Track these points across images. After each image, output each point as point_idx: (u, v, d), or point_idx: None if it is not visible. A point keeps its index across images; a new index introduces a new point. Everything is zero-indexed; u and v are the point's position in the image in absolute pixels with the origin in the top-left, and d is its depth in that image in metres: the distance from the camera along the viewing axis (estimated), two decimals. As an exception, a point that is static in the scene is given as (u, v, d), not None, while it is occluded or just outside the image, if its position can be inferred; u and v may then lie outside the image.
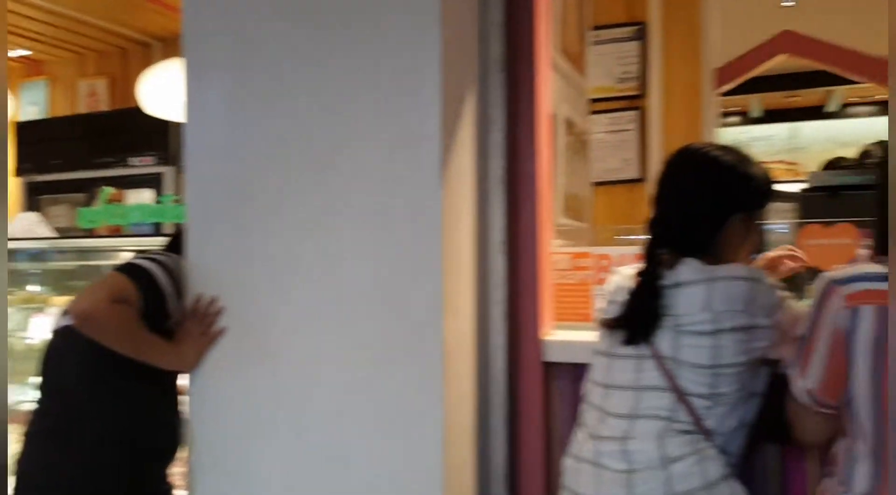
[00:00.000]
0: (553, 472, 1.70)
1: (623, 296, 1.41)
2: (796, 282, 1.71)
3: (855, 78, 3.74)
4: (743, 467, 1.40)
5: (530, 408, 1.70)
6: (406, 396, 1.51)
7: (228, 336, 1.63)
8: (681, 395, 1.31)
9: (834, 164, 2.78)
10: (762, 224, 1.50)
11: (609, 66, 3.47)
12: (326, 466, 1.57)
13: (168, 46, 4.57)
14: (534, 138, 1.74)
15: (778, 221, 1.98)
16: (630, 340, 1.37)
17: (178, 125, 1.67)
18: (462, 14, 1.63)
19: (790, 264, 1.65)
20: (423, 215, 1.50)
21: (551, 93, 2.23)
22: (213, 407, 1.65)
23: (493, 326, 1.70)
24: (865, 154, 2.66)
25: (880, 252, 1.20)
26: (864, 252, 1.33)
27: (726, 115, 8.85)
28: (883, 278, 1.14)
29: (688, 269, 1.34)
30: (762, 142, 8.83)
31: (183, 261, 1.68)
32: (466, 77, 1.66)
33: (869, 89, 7.03)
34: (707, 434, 1.31)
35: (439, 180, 1.50)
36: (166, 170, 4.18)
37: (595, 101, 3.51)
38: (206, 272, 1.66)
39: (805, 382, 1.22)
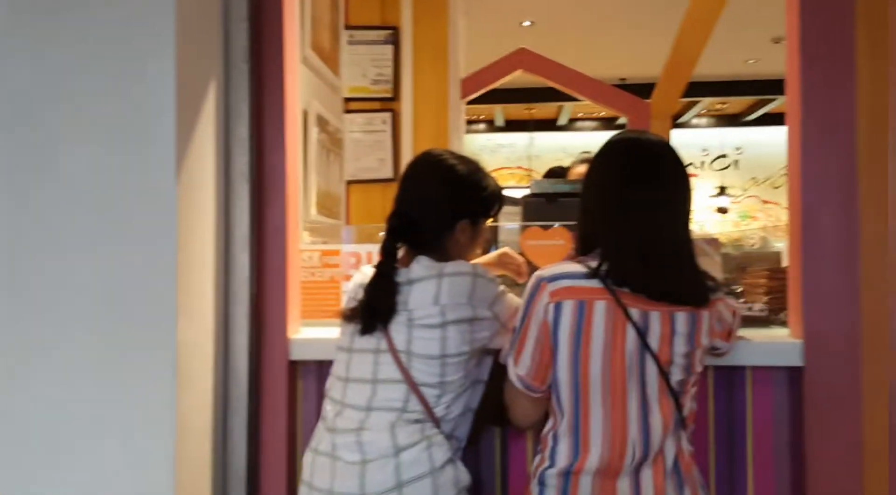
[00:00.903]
0: (297, 469, 1.71)
1: (362, 293, 1.46)
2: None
3: (577, 96, 4.23)
4: (470, 449, 1.53)
5: (275, 408, 1.69)
6: (134, 403, 1.42)
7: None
8: (414, 386, 1.38)
9: (552, 173, 3.10)
10: (490, 227, 1.64)
11: (364, 67, 3.55)
12: (44, 480, 1.42)
13: None
14: (282, 133, 1.72)
15: (508, 223, 2.18)
16: (365, 330, 1.42)
17: None
18: (202, 5, 1.57)
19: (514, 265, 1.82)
20: (156, 212, 1.42)
21: (301, 88, 2.22)
22: None
23: (237, 326, 1.66)
24: (568, 168, 3.03)
25: (581, 253, 1.38)
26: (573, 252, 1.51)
27: (475, 122, 9.51)
28: (581, 276, 1.31)
29: (419, 267, 1.43)
30: (506, 148, 9.64)
31: None
32: (207, 70, 1.59)
33: (592, 107, 7.99)
34: (436, 421, 1.40)
35: (174, 176, 1.42)
36: None
37: (351, 100, 3.57)
38: None
39: (518, 369, 1.36)
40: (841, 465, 1.51)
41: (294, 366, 1.73)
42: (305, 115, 2.43)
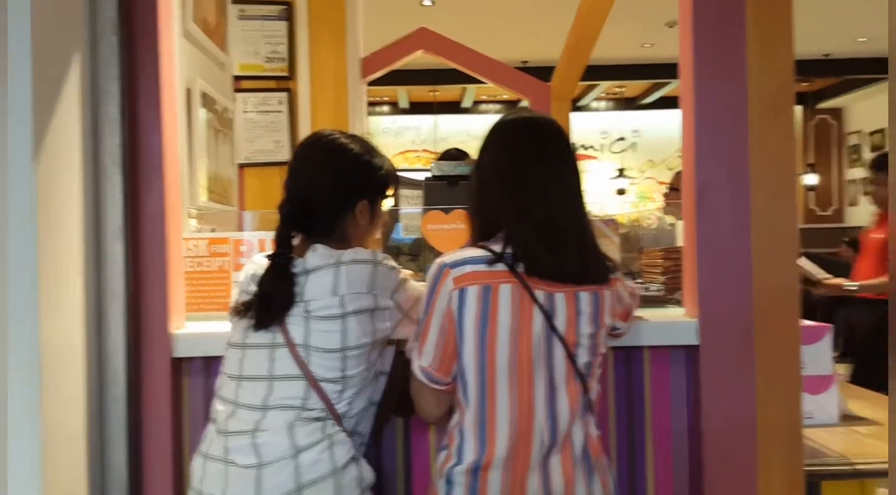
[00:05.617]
0: (185, 474, 1.60)
1: (255, 286, 1.36)
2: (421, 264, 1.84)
3: (479, 78, 4.19)
4: (371, 444, 1.46)
5: (157, 409, 1.56)
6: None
7: None
8: (313, 382, 1.30)
9: (448, 155, 3.04)
10: (388, 210, 1.57)
11: (257, 43, 3.37)
12: None
13: None
14: (158, 112, 1.58)
15: (408, 207, 2.12)
16: (259, 325, 1.32)
17: None
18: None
19: None
20: (11, 201, 1.27)
21: (184, 65, 2.07)
22: None
23: (112, 322, 1.52)
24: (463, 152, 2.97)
25: (481, 238, 1.33)
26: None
27: (378, 104, 9.37)
28: (484, 261, 1.26)
29: (315, 256, 1.34)
30: (410, 131, 9.56)
31: None
32: (71, 41, 1.44)
33: (495, 89, 8.02)
34: (337, 418, 1.32)
35: (31, 158, 1.27)
36: None
37: (243, 78, 3.39)
38: None
39: (421, 361, 1.29)
40: (736, 441, 1.54)
41: (178, 364, 1.61)
42: (189, 93, 2.27)
